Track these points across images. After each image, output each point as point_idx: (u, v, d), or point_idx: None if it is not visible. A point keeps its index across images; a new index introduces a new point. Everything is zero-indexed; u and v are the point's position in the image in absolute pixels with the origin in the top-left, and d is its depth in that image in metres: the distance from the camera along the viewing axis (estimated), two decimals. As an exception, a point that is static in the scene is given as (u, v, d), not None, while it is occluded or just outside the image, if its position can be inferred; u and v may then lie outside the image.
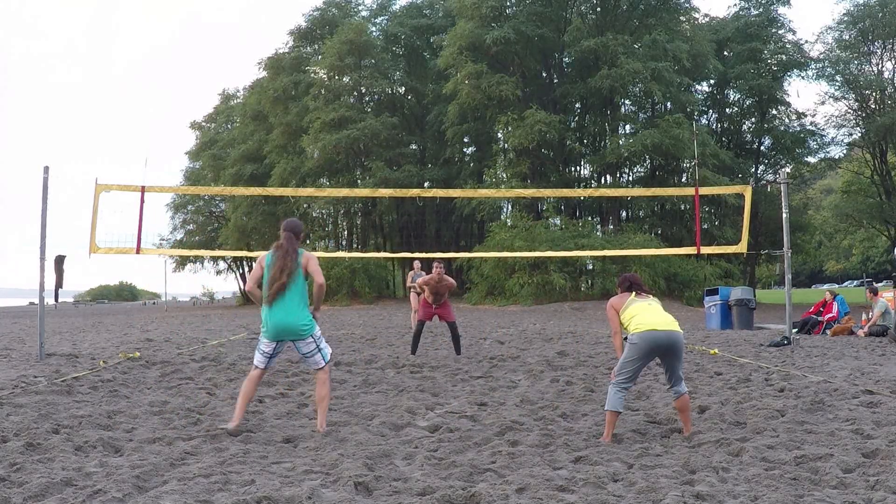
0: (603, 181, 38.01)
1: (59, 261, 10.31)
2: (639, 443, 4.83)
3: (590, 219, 38.65)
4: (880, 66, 36.40)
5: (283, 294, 5.03)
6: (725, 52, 38.39)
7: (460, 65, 34.44)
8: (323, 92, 41.38)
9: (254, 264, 5.32)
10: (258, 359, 5.22)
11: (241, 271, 59.09)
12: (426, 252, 37.03)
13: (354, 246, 46.88)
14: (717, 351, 10.58)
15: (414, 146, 45.65)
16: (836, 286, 59.87)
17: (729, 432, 5.02)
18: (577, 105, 39.45)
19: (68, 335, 16.18)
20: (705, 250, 12.84)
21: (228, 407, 6.17)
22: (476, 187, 35.06)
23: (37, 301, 10.24)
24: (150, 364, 9.15)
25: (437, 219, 42.99)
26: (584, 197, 36.10)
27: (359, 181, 41.29)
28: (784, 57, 37.55)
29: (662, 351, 4.98)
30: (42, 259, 9.77)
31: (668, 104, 36.09)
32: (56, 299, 11.77)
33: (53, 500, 3.45)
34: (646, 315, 5.06)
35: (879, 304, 13.62)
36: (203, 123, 61.27)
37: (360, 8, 47.63)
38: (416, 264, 13.77)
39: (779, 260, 38.64)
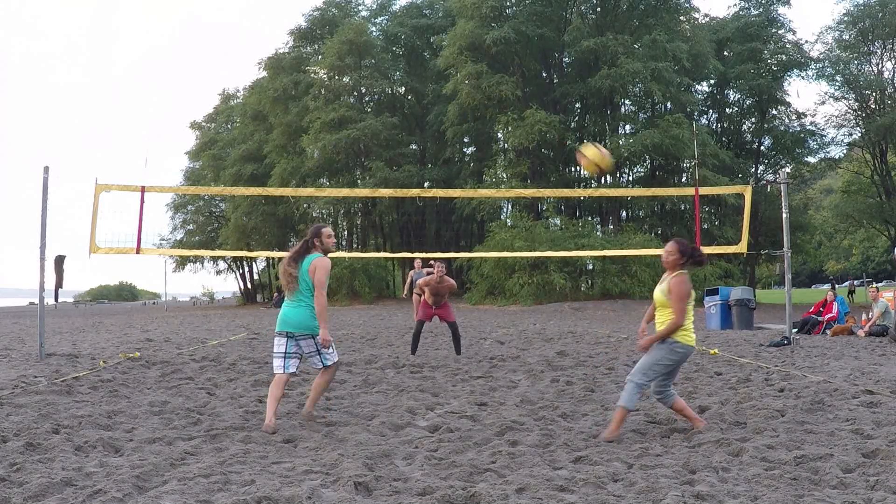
0: (603, 181, 37.98)
1: (59, 261, 10.32)
2: (639, 443, 4.83)
3: (590, 219, 38.65)
4: (880, 66, 36.44)
5: (291, 292, 5.29)
6: (725, 52, 38.40)
7: (460, 65, 34.45)
8: (323, 92, 41.39)
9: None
10: (275, 363, 5.32)
11: (240, 271, 59.07)
12: (426, 252, 37.05)
13: (354, 246, 46.91)
14: (717, 351, 10.58)
15: (414, 146, 45.66)
16: (837, 286, 59.78)
17: (729, 432, 5.02)
18: (577, 105, 39.47)
19: (68, 335, 16.18)
20: (705, 250, 12.77)
21: (228, 407, 6.18)
22: (476, 187, 35.08)
23: (37, 301, 10.25)
24: (150, 364, 9.15)
25: (437, 219, 43.00)
26: (584, 197, 36.09)
27: (359, 181, 41.30)
28: (784, 57, 37.56)
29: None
30: (42, 259, 9.77)
31: (668, 104, 36.11)
32: (56, 299, 11.78)
33: (53, 500, 3.45)
34: (691, 324, 4.99)
35: (879, 304, 13.63)
36: (203, 123, 61.30)
37: (360, 8, 47.66)
38: (417, 263, 13.68)
39: (779, 260, 38.63)
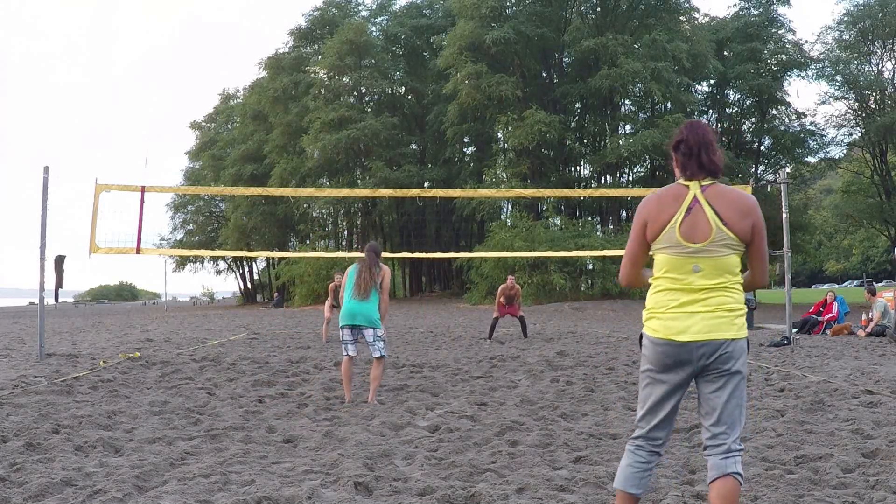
0: (603, 181, 38.00)
1: (59, 261, 10.32)
2: (639, 443, 4.82)
3: (590, 219, 38.64)
4: (880, 66, 36.43)
5: (363, 294, 6.41)
6: (725, 52, 38.38)
7: (460, 65, 34.45)
8: (323, 92, 41.41)
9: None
10: (346, 349, 6.53)
11: (240, 271, 59.08)
12: (426, 252, 37.05)
13: (354, 246, 46.89)
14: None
15: (414, 146, 45.68)
16: (836, 286, 59.89)
17: (729, 432, 5.01)
18: (577, 105, 39.46)
19: (68, 335, 16.19)
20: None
21: (228, 407, 6.18)
22: (476, 187, 35.08)
23: (37, 301, 10.25)
24: (150, 364, 9.15)
25: (437, 219, 43.00)
26: (584, 197, 36.09)
27: (359, 181, 41.31)
28: (784, 57, 37.56)
29: None
30: (42, 259, 9.78)
31: (668, 104, 36.09)
32: (56, 299, 11.77)
33: (53, 500, 3.45)
34: None
35: (878, 305, 13.61)
36: (203, 123, 61.36)
37: (360, 8, 47.68)
38: (510, 280, 13.74)
39: (779, 260, 38.65)
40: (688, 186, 2.72)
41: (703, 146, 2.71)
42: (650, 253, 2.80)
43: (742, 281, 2.77)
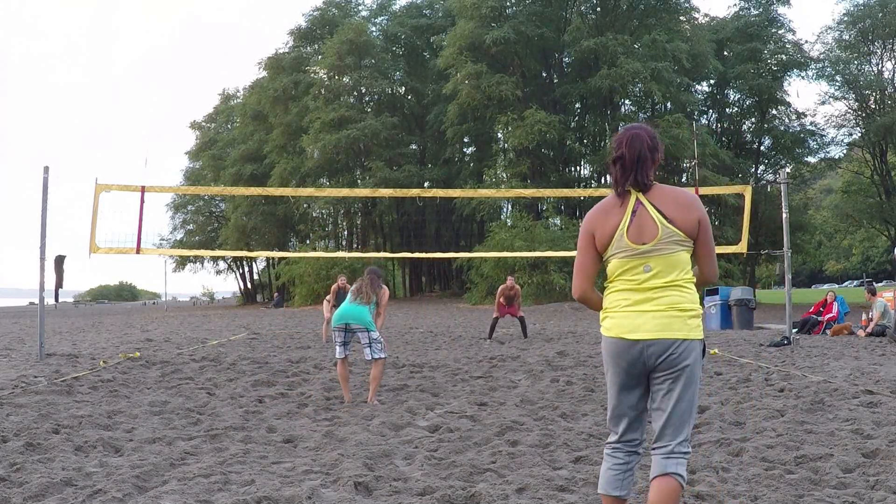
0: (603, 181, 38.00)
1: (59, 261, 10.32)
2: (639, 443, 4.82)
3: (590, 219, 38.59)
4: (880, 66, 36.41)
5: (360, 302, 6.50)
6: (725, 52, 38.36)
7: (460, 65, 34.46)
8: (323, 92, 41.40)
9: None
10: (336, 351, 6.53)
11: (240, 271, 59.06)
12: (426, 252, 37.06)
13: (354, 246, 46.90)
14: (716, 351, 10.58)
15: (414, 146, 45.68)
16: (836, 286, 59.88)
17: (729, 432, 5.02)
18: (577, 105, 39.46)
19: (68, 335, 16.19)
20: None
21: (228, 407, 6.18)
22: (476, 187, 35.07)
23: (37, 301, 10.25)
24: (150, 364, 9.15)
25: (437, 219, 43.00)
26: (584, 197, 36.06)
27: (359, 181, 41.31)
28: (784, 57, 37.54)
29: None
30: (42, 259, 9.78)
31: (668, 104, 36.07)
32: (56, 299, 11.78)
33: (53, 500, 3.45)
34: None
35: (878, 305, 13.61)
36: (203, 123, 61.34)
37: (360, 8, 47.69)
38: (510, 280, 13.72)
39: (779, 260, 38.57)
40: (629, 191, 2.74)
41: (639, 165, 2.71)
42: (603, 261, 2.82)
43: (694, 279, 2.78)
